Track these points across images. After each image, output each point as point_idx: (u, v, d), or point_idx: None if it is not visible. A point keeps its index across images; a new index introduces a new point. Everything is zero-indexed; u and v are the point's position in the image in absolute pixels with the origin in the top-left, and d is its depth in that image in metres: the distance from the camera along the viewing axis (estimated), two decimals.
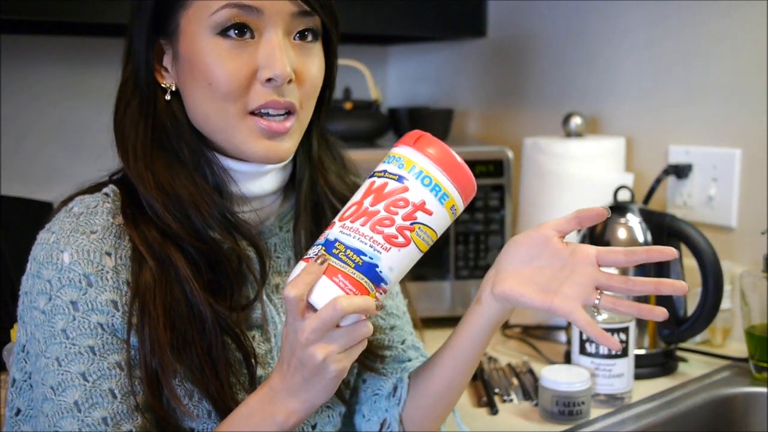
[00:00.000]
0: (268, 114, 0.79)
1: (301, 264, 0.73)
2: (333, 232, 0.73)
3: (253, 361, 0.83)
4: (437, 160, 0.73)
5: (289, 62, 0.77)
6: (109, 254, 0.77)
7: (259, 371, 0.85)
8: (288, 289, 0.69)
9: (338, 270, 0.71)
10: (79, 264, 0.76)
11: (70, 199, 0.82)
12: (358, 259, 0.71)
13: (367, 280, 0.71)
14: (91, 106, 1.68)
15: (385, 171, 0.74)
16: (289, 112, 0.80)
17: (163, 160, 0.81)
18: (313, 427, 0.90)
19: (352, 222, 0.72)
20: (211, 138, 0.82)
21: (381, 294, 0.73)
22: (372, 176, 0.75)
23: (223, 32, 0.77)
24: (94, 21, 1.38)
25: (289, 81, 0.78)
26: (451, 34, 1.92)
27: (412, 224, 0.72)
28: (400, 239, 0.72)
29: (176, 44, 0.80)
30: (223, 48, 0.77)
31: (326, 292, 0.71)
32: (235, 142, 0.80)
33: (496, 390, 1.23)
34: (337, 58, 0.88)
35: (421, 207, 0.72)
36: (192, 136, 0.82)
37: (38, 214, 1.42)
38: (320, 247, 0.73)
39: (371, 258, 0.71)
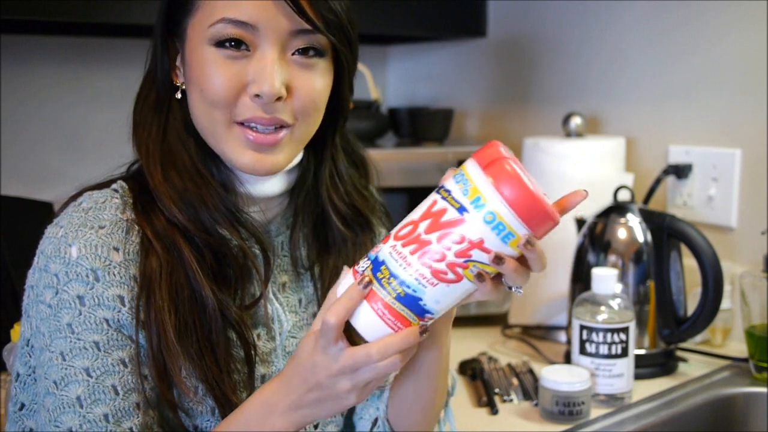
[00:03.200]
0: (256, 128, 0.79)
1: (348, 276, 0.71)
2: (383, 250, 0.69)
3: (253, 353, 0.83)
4: (506, 192, 0.64)
5: (280, 79, 0.77)
6: (116, 249, 0.78)
7: (262, 369, 0.85)
8: (328, 315, 0.68)
9: (379, 297, 0.68)
10: (86, 258, 0.76)
11: (79, 194, 0.83)
12: (400, 290, 0.67)
13: (409, 312, 0.68)
14: (91, 106, 1.68)
15: (449, 192, 0.67)
16: (281, 126, 0.80)
17: (174, 155, 0.83)
18: (315, 426, 0.90)
19: (403, 246, 0.67)
20: (206, 142, 0.83)
21: (427, 323, 0.70)
22: (438, 192, 0.68)
23: (219, 43, 0.77)
24: (94, 21, 1.38)
25: (278, 98, 0.77)
26: (451, 34, 1.92)
27: (465, 262, 0.66)
28: (450, 275, 0.66)
29: (183, 48, 0.82)
30: (217, 57, 0.77)
31: (366, 320, 0.69)
32: (224, 149, 0.81)
33: (496, 390, 1.23)
34: (352, 72, 0.86)
35: (479, 245, 0.65)
36: (198, 135, 0.83)
37: (38, 214, 1.42)
38: (369, 264, 0.70)
39: (414, 291, 0.67)
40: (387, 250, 0.68)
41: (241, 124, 0.79)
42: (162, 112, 0.84)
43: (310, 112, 0.81)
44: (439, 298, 0.68)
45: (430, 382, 0.86)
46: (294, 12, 0.76)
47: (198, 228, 0.81)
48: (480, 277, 0.67)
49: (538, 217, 0.65)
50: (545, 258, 0.69)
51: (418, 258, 0.66)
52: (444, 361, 0.85)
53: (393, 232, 0.70)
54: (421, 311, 0.68)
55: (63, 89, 1.66)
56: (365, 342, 0.70)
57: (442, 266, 0.66)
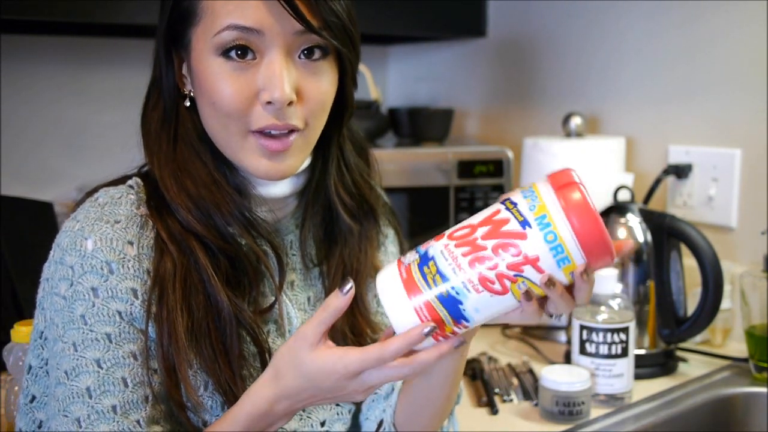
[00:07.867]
0: (270, 133, 0.79)
1: (392, 266, 0.70)
2: (435, 247, 0.68)
3: (267, 357, 0.83)
4: (574, 218, 0.64)
5: (290, 84, 0.77)
6: (131, 243, 0.79)
7: None
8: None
9: (421, 293, 0.67)
10: (102, 251, 0.77)
11: (95, 190, 0.84)
12: (444, 290, 0.66)
13: (447, 314, 0.67)
14: (91, 106, 1.68)
15: (515, 205, 0.66)
16: (292, 130, 0.80)
17: (187, 164, 0.83)
18: (322, 424, 0.90)
19: (456, 247, 0.67)
20: (220, 150, 0.83)
21: (460, 329, 0.68)
22: (503, 202, 0.68)
23: (226, 53, 0.77)
24: (94, 21, 1.38)
25: (290, 103, 0.78)
26: (451, 34, 1.92)
27: (515, 276, 0.65)
28: (497, 286, 0.66)
29: (189, 58, 0.82)
30: (225, 69, 0.78)
31: (402, 313, 0.67)
32: (239, 157, 0.81)
33: (496, 390, 1.23)
34: (355, 68, 0.86)
35: (533, 262, 0.65)
36: (210, 141, 0.84)
37: (38, 214, 1.42)
38: (416, 257, 0.69)
39: (458, 294, 0.66)
40: (439, 247, 0.68)
41: (255, 132, 0.79)
42: (171, 122, 0.84)
43: (319, 114, 0.82)
44: (480, 307, 0.67)
45: (443, 389, 0.85)
46: (293, 17, 0.76)
47: (214, 235, 0.81)
48: (527, 295, 0.67)
49: (598, 249, 0.65)
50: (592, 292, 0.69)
51: (469, 262, 0.66)
52: (460, 370, 0.85)
53: (447, 232, 0.69)
54: (458, 316, 0.67)
55: (63, 89, 1.66)
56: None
57: (491, 275, 0.65)
